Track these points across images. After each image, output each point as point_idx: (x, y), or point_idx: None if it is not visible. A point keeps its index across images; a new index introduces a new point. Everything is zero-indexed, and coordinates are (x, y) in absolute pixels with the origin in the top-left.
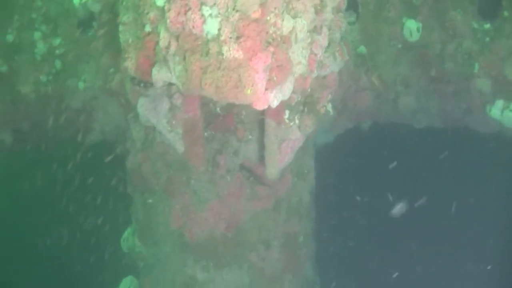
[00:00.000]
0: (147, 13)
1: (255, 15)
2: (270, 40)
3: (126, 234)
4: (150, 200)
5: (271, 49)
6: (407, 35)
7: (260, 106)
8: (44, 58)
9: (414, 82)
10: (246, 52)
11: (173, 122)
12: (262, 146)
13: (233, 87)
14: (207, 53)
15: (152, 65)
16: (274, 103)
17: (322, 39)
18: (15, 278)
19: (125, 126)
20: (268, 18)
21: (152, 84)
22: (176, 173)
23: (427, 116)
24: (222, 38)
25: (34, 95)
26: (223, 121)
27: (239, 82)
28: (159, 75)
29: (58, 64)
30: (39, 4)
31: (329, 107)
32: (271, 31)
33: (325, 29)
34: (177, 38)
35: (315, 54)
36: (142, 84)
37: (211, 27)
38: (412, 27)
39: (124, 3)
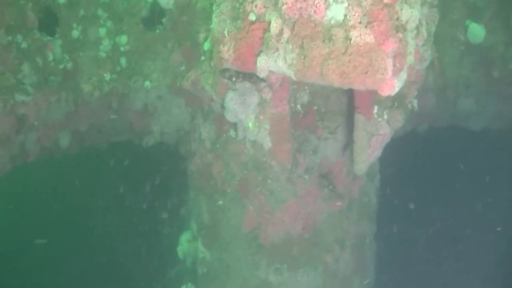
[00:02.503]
0: (253, 1)
1: (388, 0)
2: (396, 26)
3: (182, 239)
4: (220, 202)
5: (400, 35)
6: (470, 38)
7: (387, 91)
8: (109, 55)
9: (475, 83)
10: (378, 36)
11: (261, 117)
12: (343, 144)
13: (362, 73)
14: (330, 39)
15: (256, 54)
16: (395, 90)
17: (424, 32)
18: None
19: (189, 127)
20: (396, 5)
21: (249, 76)
22: (251, 173)
23: (484, 118)
24: (351, 23)
25: (96, 93)
26: (303, 119)
27: (370, 67)
28: (266, 64)
29: (123, 61)
30: (105, 0)
31: (415, 103)
32: (395, 18)
33: (424, 23)
34: (292, 25)
35: (418, 46)
36: (233, 78)
37: (336, 12)
38: (475, 30)
39: None
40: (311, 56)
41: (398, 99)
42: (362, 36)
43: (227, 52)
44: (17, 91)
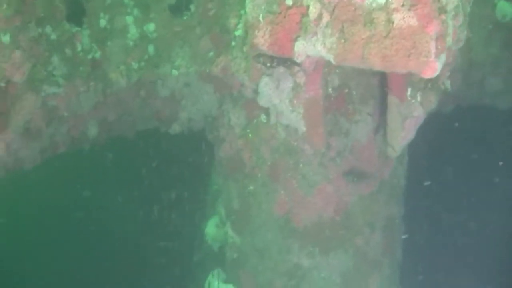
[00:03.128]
0: None
1: None
2: (438, 8)
3: (209, 225)
4: (251, 188)
5: (442, 17)
6: (499, 16)
7: (429, 74)
8: (136, 43)
9: (503, 62)
10: (422, 19)
11: (295, 102)
12: (374, 126)
13: (404, 56)
14: (371, 22)
15: (293, 39)
16: (437, 73)
17: (462, 13)
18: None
19: (217, 113)
20: None
21: (283, 60)
22: (282, 158)
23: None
24: (393, 6)
25: (124, 82)
26: (334, 102)
27: (413, 50)
28: (304, 49)
29: (150, 49)
30: None
31: (448, 83)
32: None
33: (461, 4)
34: (332, 9)
35: (455, 28)
36: (268, 63)
37: None
38: (504, 7)
39: None
40: (352, 40)
41: (431, 80)
42: (405, 19)
43: (262, 37)
44: (48, 83)
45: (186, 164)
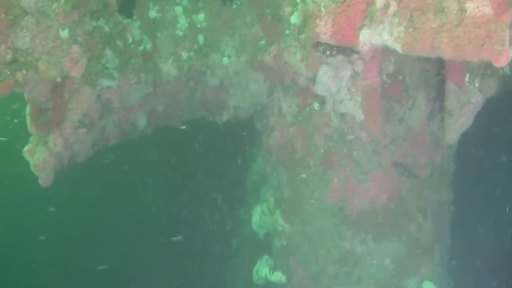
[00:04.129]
0: None
1: None
2: None
3: (255, 213)
4: (303, 175)
5: None
6: None
7: (503, 62)
8: (186, 34)
9: None
10: (496, 8)
11: (353, 90)
12: (427, 113)
13: (477, 45)
14: (442, 11)
15: (357, 28)
16: (508, 62)
17: None
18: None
19: (267, 101)
20: None
21: (342, 49)
22: (336, 146)
23: None
24: None
25: (174, 73)
26: (389, 88)
27: (487, 39)
28: (369, 38)
29: (200, 39)
30: None
31: (507, 68)
32: None
33: None
34: None
35: None
36: (327, 52)
37: None
38: None
39: None
40: (421, 28)
41: (491, 66)
42: (479, 8)
43: (324, 26)
44: (103, 77)
45: (227, 152)
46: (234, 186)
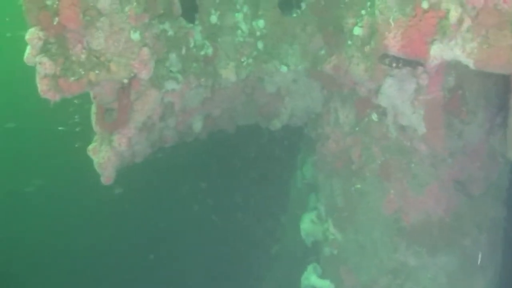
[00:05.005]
0: None
1: None
2: None
3: (304, 221)
4: (358, 186)
5: None
6: None
7: None
8: (246, 40)
9: None
10: None
11: (416, 103)
12: (486, 128)
13: None
14: None
15: (428, 42)
16: None
17: None
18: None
19: (323, 110)
20: None
21: (409, 62)
22: (393, 157)
23: None
24: None
25: (233, 79)
26: (449, 103)
27: None
28: (440, 52)
29: (260, 46)
30: None
31: None
32: None
33: None
34: (475, 14)
35: None
36: (394, 65)
37: None
38: None
39: None
40: (497, 45)
41: None
42: None
43: (393, 39)
44: (168, 80)
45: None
46: (278, 193)
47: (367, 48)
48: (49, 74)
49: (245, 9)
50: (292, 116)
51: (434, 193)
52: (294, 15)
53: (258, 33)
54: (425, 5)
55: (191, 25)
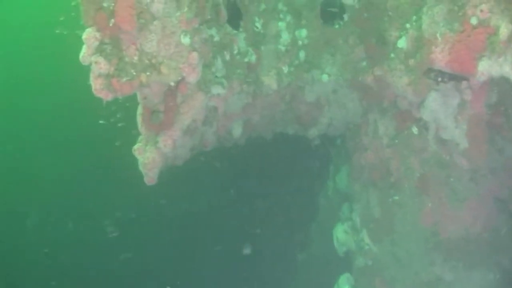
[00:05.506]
0: (476, 6)
1: None
2: None
3: (338, 230)
4: (396, 197)
5: None
6: None
7: None
8: (288, 49)
9: None
10: None
11: (459, 118)
12: None
13: None
14: None
15: (476, 58)
16: None
17: None
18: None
19: (361, 121)
20: None
21: (454, 77)
22: (432, 171)
23: None
24: None
25: (275, 86)
26: (490, 119)
27: None
28: (488, 68)
29: (301, 55)
30: None
31: None
32: None
33: None
34: None
35: None
36: (439, 79)
37: None
38: None
39: None
40: None
41: None
42: None
43: (440, 53)
44: (215, 84)
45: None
46: (307, 201)
47: (411, 62)
48: (103, 73)
49: (288, 18)
50: (330, 125)
51: (473, 209)
52: (336, 26)
53: (300, 43)
54: (474, 21)
55: (235, 32)
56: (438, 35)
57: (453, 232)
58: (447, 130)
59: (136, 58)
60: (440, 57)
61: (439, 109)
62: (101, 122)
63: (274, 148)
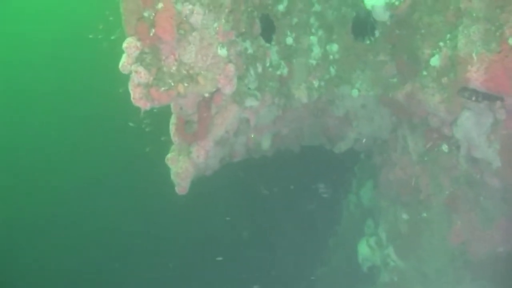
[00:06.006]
0: None
1: None
2: None
3: (362, 245)
4: (424, 214)
5: None
6: None
7: None
8: (319, 63)
9: None
10: None
11: (492, 137)
12: None
13: None
14: None
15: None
16: None
17: None
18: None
19: (390, 137)
20: None
21: (488, 96)
22: (462, 189)
23: None
24: None
25: (305, 99)
26: None
27: None
28: None
29: (332, 70)
30: (317, 9)
31: None
32: None
33: None
34: None
35: None
36: (473, 98)
37: None
38: None
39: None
40: None
41: None
42: None
43: (476, 72)
44: (249, 96)
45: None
46: (329, 215)
47: (444, 80)
48: (142, 83)
49: (320, 32)
50: (357, 140)
51: (503, 228)
52: (368, 42)
53: (331, 57)
54: (511, 41)
55: (268, 45)
56: (474, 54)
57: (481, 252)
58: (479, 149)
59: (174, 68)
60: (476, 76)
61: (472, 128)
62: (130, 124)
63: (299, 160)
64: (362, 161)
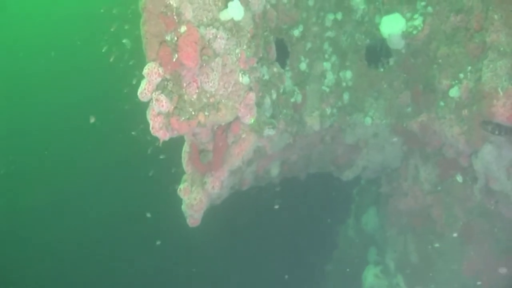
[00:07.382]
0: None
1: None
2: None
3: (368, 274)
4: (437, 245)
5: None
6: None
7: None
8: (332, 90)
9: None
10: None
11: (511, 170)
12: None
13: None
14: None
15: None
16: None
17: None
18: None
19: (400, 166)
20: None
21: (510, 130)
22: (476, 220)
23: None
24: None
25: (317, 127)
26: None
27: None
28: None
29: (345, 97)
30: (330, 35)
31: None
32: None
33: None
34: None
35: None
36: (496, 132)
37: None
38: None
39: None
40: None
41: None
42: None
43: (502, 107)
44: (268, 125)
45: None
46: (325, 241)
47: (464, 112)
48: (163, 112)
49: (333, 59)
50: (366, 168)
51: None
52: (382, 69)
53: (344, 84)
54: None
55: (282, 70)
56: (499, 89)
57: (495, 283)
58: (498, 181)
59: (195, 97)
60: (502, 111)
61: (493, 161)
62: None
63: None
64: (361, 186)
